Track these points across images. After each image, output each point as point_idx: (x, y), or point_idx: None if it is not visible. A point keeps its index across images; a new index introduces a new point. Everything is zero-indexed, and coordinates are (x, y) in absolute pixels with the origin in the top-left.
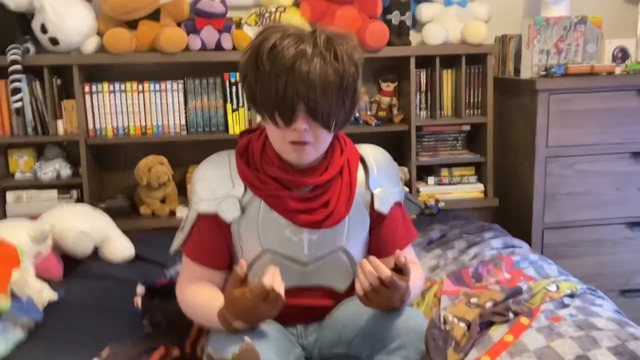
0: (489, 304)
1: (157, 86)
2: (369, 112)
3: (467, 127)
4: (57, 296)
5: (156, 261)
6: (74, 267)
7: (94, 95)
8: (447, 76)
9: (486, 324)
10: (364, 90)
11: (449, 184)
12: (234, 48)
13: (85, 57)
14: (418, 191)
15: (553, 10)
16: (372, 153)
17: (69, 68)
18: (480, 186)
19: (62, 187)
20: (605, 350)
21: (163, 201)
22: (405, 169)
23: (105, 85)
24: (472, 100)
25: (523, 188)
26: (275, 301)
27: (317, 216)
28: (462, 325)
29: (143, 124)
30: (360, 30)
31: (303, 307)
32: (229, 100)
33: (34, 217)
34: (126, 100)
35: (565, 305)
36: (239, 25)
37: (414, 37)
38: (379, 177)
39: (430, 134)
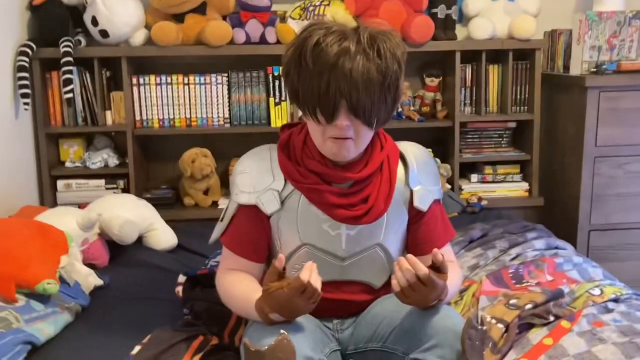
0: (529, 306)
1: (202, 79)
2: (412, 108)
3: (512, 124)
4: (103, 282)
5: (198, 251)
6: (119, 254)
7: (141, 87)
8: (493, 72)
9: (525, 326)
10: (408, 85)
11: (493, 182)
12: (278, 42)
13: (134, 50)
14: (460, 189)
15: (606, 5)
16: (412, 150)
17: (117, 60)
18: (525, 185)
19: (110, 177)
20: None
21: (206, 193)
22: (448, 166)
23: (152, 77)
24: (518, 96)
25: (570, 188)
26: (312, 296)
27: (356, 212)
28: (500, 326)
29: (188, 116)
30: (405, 24)
31: (339, 302)
32: (271, 93)
33: (82, 205)
34: (172, 92)
35: (609, 310)
36: (283, 18)
37: (460, 31)
38: (419, 175)
39: (475, 130)
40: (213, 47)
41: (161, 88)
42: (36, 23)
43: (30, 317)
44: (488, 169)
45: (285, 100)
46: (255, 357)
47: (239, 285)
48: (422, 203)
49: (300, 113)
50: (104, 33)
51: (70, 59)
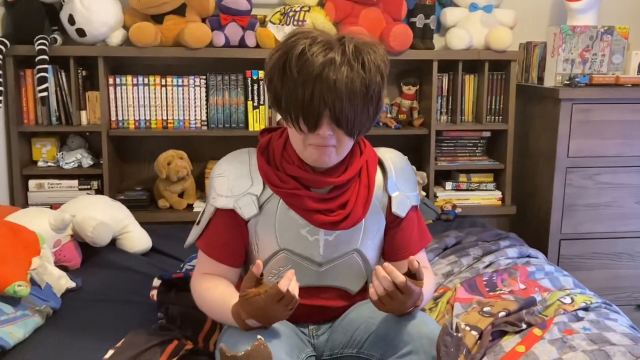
0: (502, 314)
1: (180, 81)
2: (389, 115)
3: (487, 134)
4: (75, 284)
5: (172, 255)
6: (91, 256)
7: (118, 88)
8: (470, 81)
9: (498, 334)
10: (385, 93)
11: (467, 190)
12: (258, 45)
13: (111, 50)
14: (435, 196)
15: (580, 19)
16: (391, 156)
17: (94, 60)
18: (498, 193)
19: (83, 177)
20: None
21: (181, 195)
22: (424, 173)
23: (129, 78)
24: (493, 106)
25: (541, 197)
26: (289, 303)
27: (334, 217)
28: (474, 333)
29: (164, 117)
30: (384, 33)
31: (315, 307)
32: (250, 97)
33: (54, 206)
34: (149, 93)
35: (579, 318)
36: (263, 23)
37: (437, 41)
38: (397, 181)
39: (450, 138)
40: (192, 49)
41: (138, 89)
42: (11, 19)
43: (0, 320)
44: (462, 177)
45: (264, 104)
46: None
47: (214, 290)
48: (400, 209)
49: (278, 117)
50: (81, 32)
51: (45, 57)
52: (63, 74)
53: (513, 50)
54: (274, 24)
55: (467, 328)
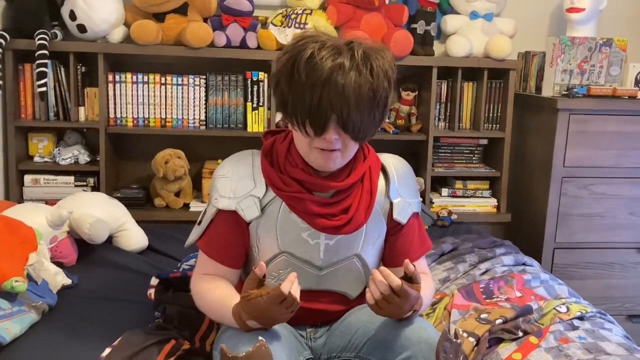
0: (499, 321)
1: (180, 80)
2: (387, 120)
3: (484, 141)
4: (72, 281)
5: (168, 254)
6: (87, 254)
7: (117, 85)
8: (468, 89)
9: (495, 341)
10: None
11: (463, 196)
12: (258, 47)
13: (111, 46)
14: (431, 202)
15: (579, 31)
16: (394, 163)
17: (94, 56)
18: (494, 201)
19: (79, 174)
20: None
21: (177, 194)
22: (422, 179)
23: (129, 75)
24: (491, 114)
25: (536, 206)
26: (291, 305)
27: (336, 222)
28: (472, 340)
29: (163, 116)
30: (385, 38)
31: (314, 311)
32: (249, 98)
33: (49, 202)
34: (148, 91)
35: (575, 327)
36: (264, 24)
37: (437, 47)
38: (400, 187)
39: (447, 145)
40: (193, 48)
41: (137, 87)
42: (11, 13)
43: None
44: (458, 184)
45: (263, 105)
46: None
47: (215, 290)
48: (402, 216)
49: (277, 119)
50: (82, 28)
51: (46, 52)
52: (62, 69)
53: (512, 59)
54: (275, 25)
55: (465, 334)
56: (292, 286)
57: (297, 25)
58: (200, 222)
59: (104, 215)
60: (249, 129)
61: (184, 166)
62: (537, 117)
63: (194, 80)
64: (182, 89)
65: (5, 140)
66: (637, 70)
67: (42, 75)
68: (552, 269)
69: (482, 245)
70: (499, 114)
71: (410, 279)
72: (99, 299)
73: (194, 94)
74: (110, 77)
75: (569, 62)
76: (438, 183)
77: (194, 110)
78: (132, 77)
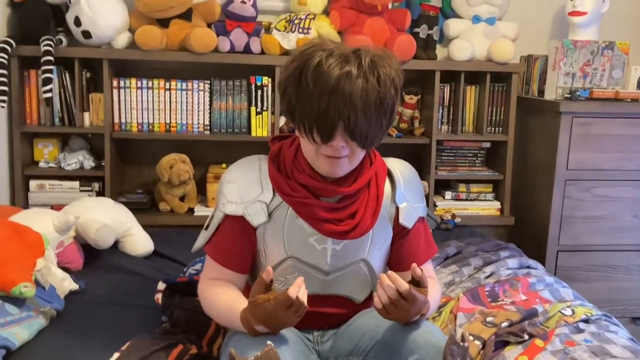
0: (505, 324)
1: (184, 85)
2: None
3: (487, 144)
4: (79, 286)
5: (174, 258)
6: (93, 259)
7: (122, 90)
8: (471, 92)
9: (501, 344)
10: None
11: (466, 199)
12: (262, 52)
13: (116, 52)
14: (435, 205)
15: (581, 34)
16: (400, 167)
17: (99, 62)
18: (497, 204)
19: (85, 179)
20: None
21: (182, 199)
22: (426, 183)
23: (133, 81)
24: (494, 117)
25: (540, 209)
26: (298, 310)
27: (343, 227)
28: (478, 343)
29: (167, 121)
30: (388, 42)
31: (321, 314)
32: (253, 103)
33: (55, 207)
34: (152, 97)
35: (580, 330)
36: (268, 29)
37: (440, 51)
38: (405, 192)
39: (451, 148)
40: (197, 53)
41: (142, 92)
42: (17, 20)
43: (5, 321)
44: (462, 187)
45: (267, 110)
46: None
47: (222, 295)
48: (408, 220)
49: (281, 123)
50: (87, 34)
51: (51, 58)
52: (67, 75)
53: (514, 62)
54: (279, 31)
55: (471, 337)
56: (299, 290)
57: (300, 30)
58: (207, 226)
59: (110, 220)
60: (253, 134)
61: (189, 171)
62: (540, 120)
63: (198, 85)
64: (187, 94)
65: (11, 145)
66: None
67: (47, 81)
68: (556, 271)
69: (486, 248)
70: (501, 117)
71: (417, 283)
72: (106, 303)
73: (198, 99)
74: (115, 83)
75: (571, 65)
76: (441, 186)
77: (198, 115)
78: (136, 83)
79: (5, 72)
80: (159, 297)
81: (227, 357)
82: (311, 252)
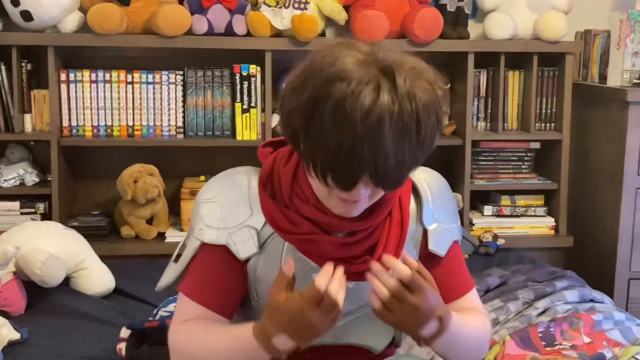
0: None
1: (151, 77)
2: None
3: (536, 145)
4: (20, 336)
5: (141, 297)
6: (39, 300)
7: (72, 85)
8: (514, 79)
9: None
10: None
11: (511, 215)
12: (248, 33)
13: (64, 38)
14: (471, 223)
15: None
16: (427, 178)
17: (42, 50)
18: (551, 220)
19: (26, 198)
20: None
21: (150, 222)
22: (459, 196)
23: (87, 73)
24: (543, 111)
25: (605, 225)
26: (331, 310)
27: (360, 266)
28: None
29: (130, 123)
30: (407, 18)
31: None
32: (238, 98)
33: None
34: (111, 93)
35: None
36: (255, 5)
37: (473, 28)
38: (435, 210)
39: (490, 151)
40: (166, 37)
41: (97, 87)
42: None
43: None
44: (505, 200)
45: (255, 107)
46: None
47: (213, 329)
48: (439, 246)
49: (274, 123)
50: (27, 15)
51: None
52: (3, 67)
53: (568, 40)
54: (269, 6)
55: None
56: (329, 282)
57: (296, 4)
58: (177, 258)
59: (59, 250)
60: (239, 137)
61: (158, 186)
62: (602, 113)
63: (169, 77)
64: (154, 88)
65: None
66: None
67: None
68: (628, 305)
69: (537, 277)
70: (553, 110)
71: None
72: (54, 357)
73: (169, 94)
74: (63, 76)
75: None
76: (479, 199)
77: (169, 115)
78: (90, 76)
79: None
80: (122, 347)
81: None
82: None
